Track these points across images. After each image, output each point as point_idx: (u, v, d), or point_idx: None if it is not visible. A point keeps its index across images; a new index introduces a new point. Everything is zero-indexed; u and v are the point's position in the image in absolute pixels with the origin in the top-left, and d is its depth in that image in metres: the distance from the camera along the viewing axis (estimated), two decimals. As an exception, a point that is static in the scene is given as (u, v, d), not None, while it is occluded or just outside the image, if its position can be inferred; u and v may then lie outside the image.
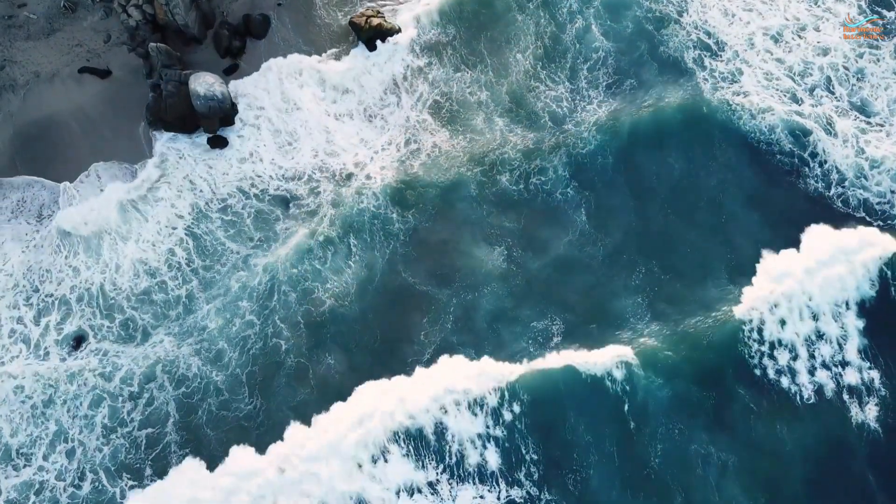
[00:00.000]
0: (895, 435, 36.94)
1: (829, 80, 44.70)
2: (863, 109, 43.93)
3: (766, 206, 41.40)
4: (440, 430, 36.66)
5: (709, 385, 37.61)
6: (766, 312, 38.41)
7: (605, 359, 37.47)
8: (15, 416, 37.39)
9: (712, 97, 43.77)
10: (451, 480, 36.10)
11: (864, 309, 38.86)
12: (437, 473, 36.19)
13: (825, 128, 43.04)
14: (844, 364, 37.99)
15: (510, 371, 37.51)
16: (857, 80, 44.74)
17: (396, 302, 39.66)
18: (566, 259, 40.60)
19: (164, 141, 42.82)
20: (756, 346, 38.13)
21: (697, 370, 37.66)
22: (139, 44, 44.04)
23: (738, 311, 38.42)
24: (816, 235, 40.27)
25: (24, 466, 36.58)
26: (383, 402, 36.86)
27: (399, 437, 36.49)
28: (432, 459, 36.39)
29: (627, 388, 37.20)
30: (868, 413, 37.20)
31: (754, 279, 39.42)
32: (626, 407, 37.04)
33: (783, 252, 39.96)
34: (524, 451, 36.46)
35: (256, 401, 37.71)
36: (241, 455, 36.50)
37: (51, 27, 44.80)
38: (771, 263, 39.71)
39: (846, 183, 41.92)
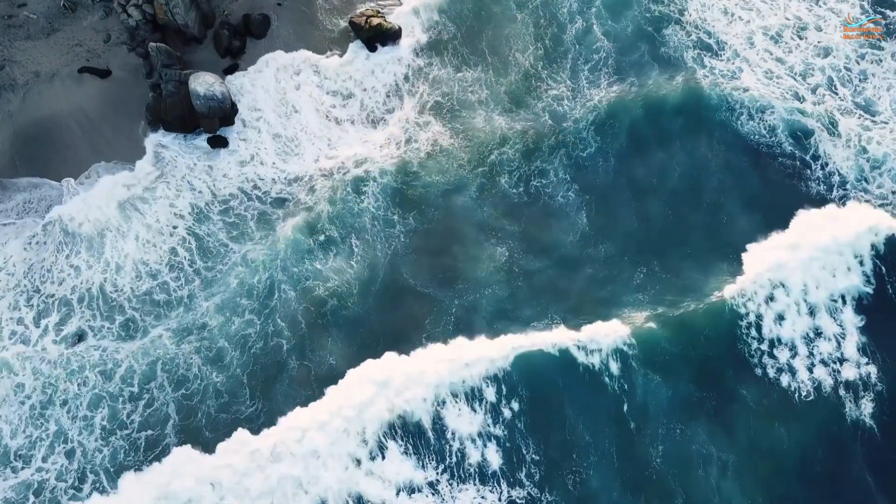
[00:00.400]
0: (892, 431, 37.06)
1: (830, 80, 44.67)
2: (866, 109, 43.90)
3: (767, 207, 41.33)
4: (439, 428, 36.55)
5: (708, 381, 37.58)
6: (762, 305, 38.40)
7: (601, 338, 37.52)
8: (14, 417, 37.32)
9: (712, 94, 43.73)
10: (451, 480, 36.03)
11: (860, 302, 38.94)
12: (437, 473, 36.11)
13: (827, 127, 42.99)
14: (842, 360, 37.97)
15: (505, 352, 37.32)
16: (860, 80, 44.70)
17: (398, 303, 39.56)
18: (567, 260, 40.56)
19: (156, 140, 42.74)
20: (755, 343, 38.11)
21: (695, 363, 37.70)
22: (139, 43, 43.96)
23: (731, 291, 38.47)
24: (811, 223, 40.43)
25: (23, 468, 36.51)
26: (380, 392, 36.58)
27: (397, 432, 36.39)
28: (432, 459, 36.31)
29: (626, 385, 37.19)
30: (864, 409, 37.23)
31: (749, 267, 39.43)
32: (625, 407, 36.99)
33: (776, 239, 40.09)
34: (524, 451, 36.40)
35: (258, 403, 37.54)
36: (237, 442, 36.16)
37: (51, 27, 44.68)
38: (766, 252, 39.75)
39: (847, 185, 41.89)
